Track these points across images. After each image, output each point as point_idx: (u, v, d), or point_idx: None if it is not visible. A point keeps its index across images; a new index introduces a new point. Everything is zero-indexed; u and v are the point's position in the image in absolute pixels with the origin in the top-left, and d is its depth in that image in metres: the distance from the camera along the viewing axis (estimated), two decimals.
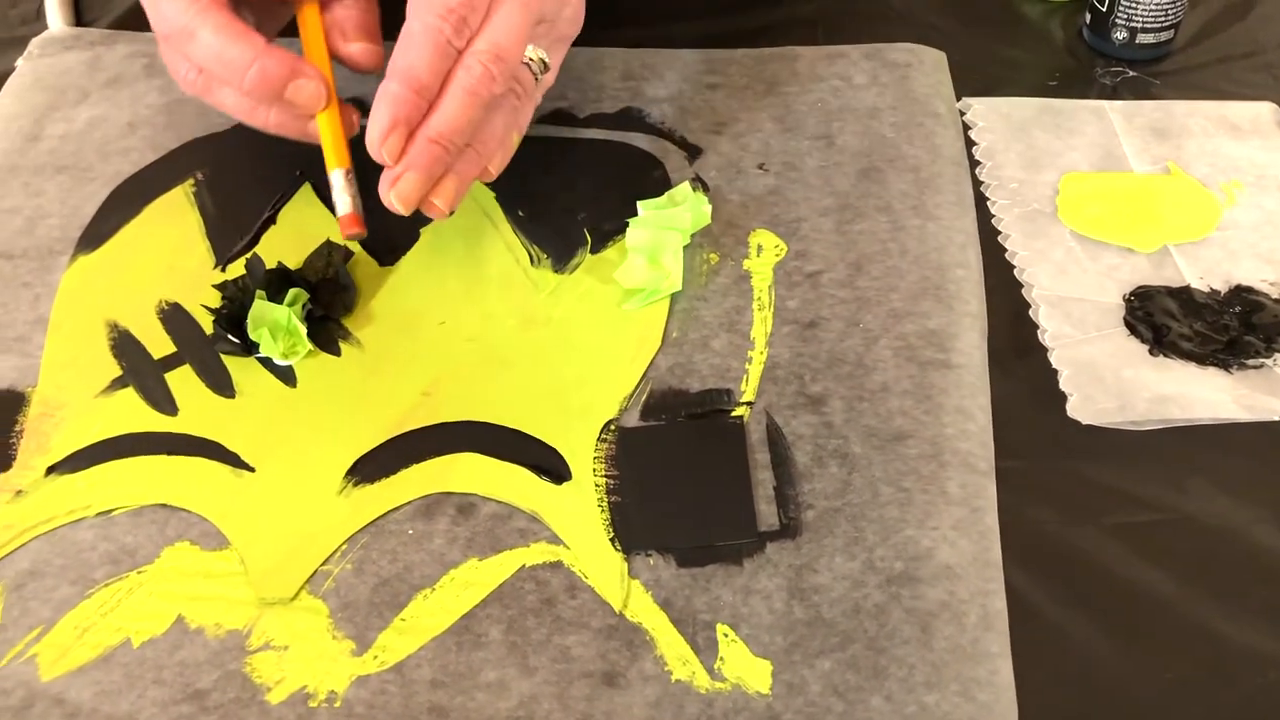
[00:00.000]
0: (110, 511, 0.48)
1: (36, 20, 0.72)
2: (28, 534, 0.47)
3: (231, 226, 0.59)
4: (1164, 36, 0.68)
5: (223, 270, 0.57)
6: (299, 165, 0.61)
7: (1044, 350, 0.54)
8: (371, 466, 0.49)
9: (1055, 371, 0.53)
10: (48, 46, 0.69)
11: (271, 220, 0.59)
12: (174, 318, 0.55)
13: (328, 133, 0.52)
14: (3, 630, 0.45)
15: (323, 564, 0.46)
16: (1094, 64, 0.69)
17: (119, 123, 0.64)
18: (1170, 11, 0.67)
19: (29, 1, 0.74)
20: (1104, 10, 0.68)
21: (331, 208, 0.59)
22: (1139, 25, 0.67)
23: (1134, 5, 0.66)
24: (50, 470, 0.49)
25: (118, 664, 0.44)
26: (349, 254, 0.57)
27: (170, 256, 0.57)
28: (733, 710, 0.42)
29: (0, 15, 0.73)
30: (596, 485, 0.48)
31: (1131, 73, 0.68)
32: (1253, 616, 0.45)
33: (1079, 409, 0.51)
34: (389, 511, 0.48)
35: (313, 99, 0.52)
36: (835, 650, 0.43)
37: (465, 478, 0.49)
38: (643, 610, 0.45)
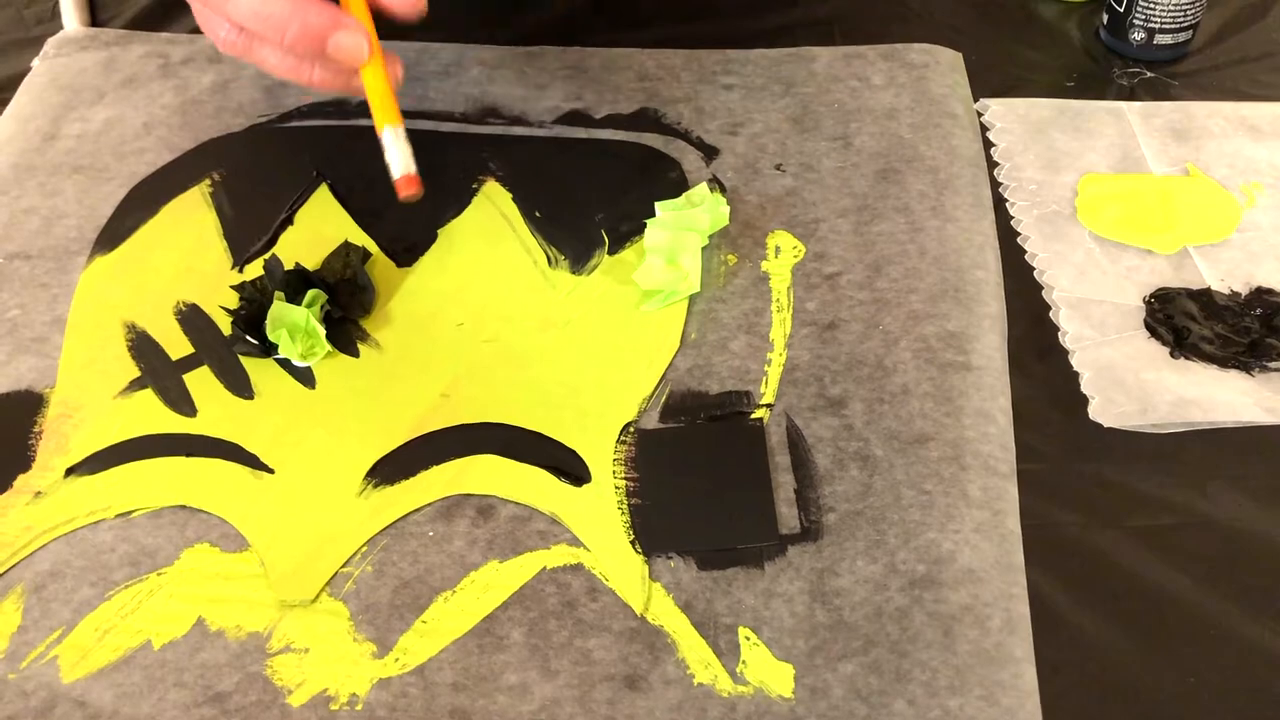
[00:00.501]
0: (130, 513, 0.48)
1: (52, 20, 0.72)
2: (47, 535, 0.47)
3: (249, 227, 0.58)
4: (1182, 37, 0.68)
5: (240, 271, 0.57)
6: (316, 166, 0.61)
7: (1064, 352, 0.54)
8: (391, 468, 0.49)
9: (1076, 374, 0.53)
10: (63, 47, 0.69)
11: (289, 221, 0.59)
12: (192, 319, 0.55)
13: (374, 89, 0.51)
14: (24, 632, 0.45)
15: (343, 566, 0.46)
16: (1112, 65, 0.69)
17: (135, 123, 0.64)
18: (1188, 12, 0.67)
19: (44, 1, 0.74)
20: (1122, 11, 0.67)
21: (343, 206, 0.59)
22: (1157, 26, 0.67)
23: (1152, 6, 0.66)
24: (69, 471, 0.49)
25: (138, 666, 0.44)
26: (367, 255, 0.57)
27: (188, 257, 0.57)
28: (755, 714, 0.42)
29: (16, 15, 0.73)
30: (616, 487, 0.48)
31: (1149, 74, 0.68)
32: (1275, 620, 0.45)
33: (1100, 412, 0.51)
34: (409, 513, 0.48)
35: (355, 52, 0.51)
36: (858, 654, 0.43)
37: (485, 479, 0.49)
38: (664, 613, 0.45)
